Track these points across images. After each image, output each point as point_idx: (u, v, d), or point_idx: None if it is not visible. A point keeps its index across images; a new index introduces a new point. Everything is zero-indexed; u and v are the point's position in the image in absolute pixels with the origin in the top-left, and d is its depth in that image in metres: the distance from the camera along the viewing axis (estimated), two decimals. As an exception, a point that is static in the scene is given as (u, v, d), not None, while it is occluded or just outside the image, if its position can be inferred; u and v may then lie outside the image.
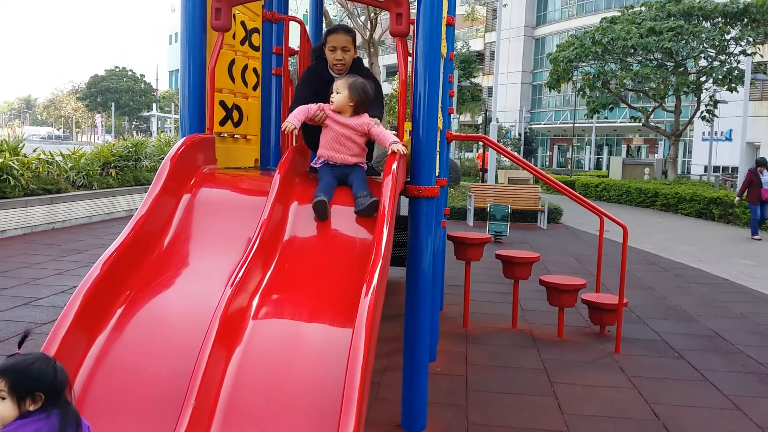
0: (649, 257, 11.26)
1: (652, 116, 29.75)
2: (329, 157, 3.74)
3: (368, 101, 3.78)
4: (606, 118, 41.11)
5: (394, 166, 3.51)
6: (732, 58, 25.83)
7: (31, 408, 1.95)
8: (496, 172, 21.41)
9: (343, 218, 3.71)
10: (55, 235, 11.00)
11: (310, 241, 3.63)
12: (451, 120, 8.48)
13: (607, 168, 35.49)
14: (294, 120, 3.70)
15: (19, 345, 2.12)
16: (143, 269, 3.32)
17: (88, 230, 11.81)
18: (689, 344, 6.04)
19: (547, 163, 58.59)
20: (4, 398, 1.91)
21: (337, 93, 3.72)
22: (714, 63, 26.00)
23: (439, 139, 4.52)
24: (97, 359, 2.88)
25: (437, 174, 4.53)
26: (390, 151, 3.64)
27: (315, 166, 3.82)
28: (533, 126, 58.45)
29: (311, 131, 4.32)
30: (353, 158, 3.74)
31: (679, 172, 30.69)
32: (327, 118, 3.75)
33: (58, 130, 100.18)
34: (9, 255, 8.90)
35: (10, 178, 10.85)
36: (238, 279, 3.08)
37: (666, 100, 27.61)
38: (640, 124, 29.83)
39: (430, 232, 4.12)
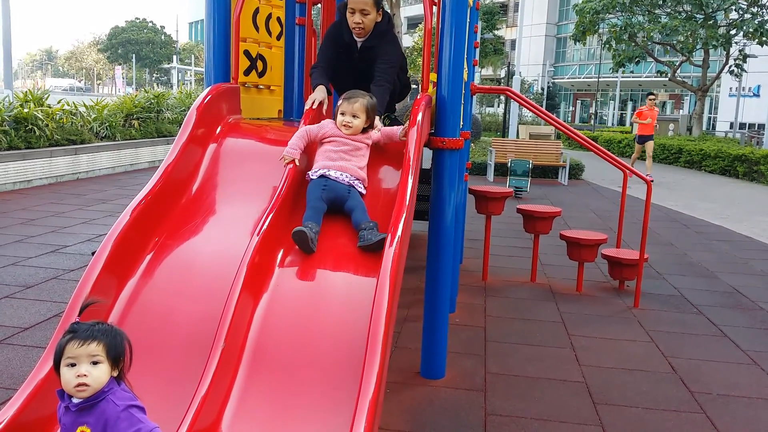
0: (670, 214, 11.19)
1: (678, 71, 29.14)
2: (340, 167, 3.35)
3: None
4: (631, 72, 40.38)
5: (419, 117, 3.50)
6: (764, 10, 25.08)
7: (114, 374, 2.05)
8: (518, 127, 21.20)
9: (369, 168, 3.74)
10: (80, 185, 11.15)
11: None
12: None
13: (631, 124, 35.02)
14: (293, 151, 3.37)
15: (80, 313, 2.22)
16: (171, 217, 3.39)
17: (111, 181, 11.95)
18: (709, 300, 6.06)
19: (570, 119, 57.83)
20: (101, 362, 1.99)
21: (355, 118, 3.43)
22: (745, 15, 25.28)
23: (463, 92, 4.49)
24: (128, 303, 2.97)
25: (461, 126, 4.52)
26: (402, 135, 3.55)
27: (311, 177, 3.40)
28: (556, 80, 57.54)
29: (338, 72, 4.27)
30: (362, 171, 3.41)
31: (704, 128, 30.18)
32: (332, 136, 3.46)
33: (80, 82, 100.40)
34: (36, 204, 9.06)
35: (35, 128, 10.96)
36: (264, 228, 3.13)
37: (694, 54, 27.00)
38: (667, 78, 29.25)
39: (453, 185, 4.14)
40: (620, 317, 5.43)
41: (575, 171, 16.29)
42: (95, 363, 1.97)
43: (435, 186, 4.14)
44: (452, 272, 4.59)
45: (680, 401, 3.86)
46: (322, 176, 3.33)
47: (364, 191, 3.39)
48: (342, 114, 3.46)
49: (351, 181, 3.34)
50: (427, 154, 4.23)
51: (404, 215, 3.14)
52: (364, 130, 3.49)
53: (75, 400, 2.03)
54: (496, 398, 3.77)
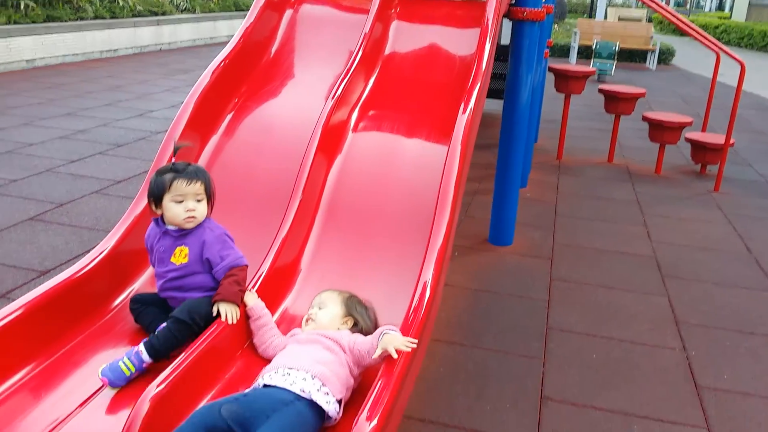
0: (764, 103, 10.55)
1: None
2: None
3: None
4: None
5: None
6: None
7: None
8: (606, 10, 19.96)
9: (444, 36, 3.68)
10: (162, 56, 11.40)
11: (410, 58, 3.65)
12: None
13: (731, 9, 32.39)
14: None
15: (173, 154, 2.41)
16: (250, 79, 3.47)
17: (192, 53, 12.14)
18: (795, 188, 5.82)
19: (664, 1, 53.94)
20: (202, 200, 2.28)
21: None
22: None
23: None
24: (210, 158, 3.12)
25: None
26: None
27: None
28: (653, -42, 53.19)
29: None
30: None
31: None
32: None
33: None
34: (122, 72, 9.36)
35: (119, -1, 11.15)
36: (339, 92, 3.18)
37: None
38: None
39: (531, 60, 4.04)
40: (699, 199, 5.31)
41: (665, 56, 15.40)
42: (199, 201, 2.26)
43: (512, 61, 4.04)
44: (526, 149, 4.56)
45: (752, 280, 3.83)
46: None
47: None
48: None
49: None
50: (506, 31, 4.11)
51: (479, 83, 3.12)
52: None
53: (172, 227, 2.28)
54: (562, 266, 3.84)
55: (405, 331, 2.07)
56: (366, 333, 2.19)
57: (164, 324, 2.14)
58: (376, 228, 2.81)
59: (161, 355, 2.08)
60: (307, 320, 2.25)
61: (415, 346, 1.90)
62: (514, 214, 4.13)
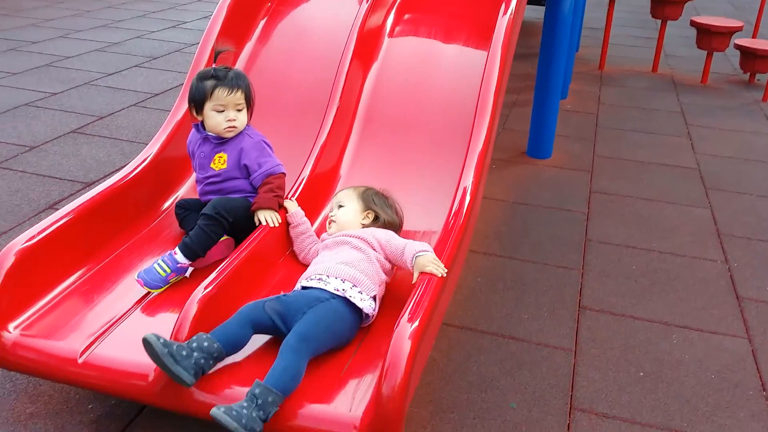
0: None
1: None
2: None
3: None
4: None
5: None
6: None
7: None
8: None
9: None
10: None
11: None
12: None
13: None
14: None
15: (214, 59, 2.42)
16: (283, -17, 3.37)
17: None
18: None
19: None
20: (242, 109, 2.30)
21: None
22: None
23: None
24: (246, 66, 3.08)
25: None
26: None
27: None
28: None
29: None
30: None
31: None
32: None
33: None
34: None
35: None
36: (374, -5, 3.08)
37: None
38: None
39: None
40: (745, 110, 5.12)
41: (717, -42, 14.55)
42: (239, 110, 2.28)
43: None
44: (567, 58, 4.41)
45: (798, 193, 3.73)
46: None
47: None
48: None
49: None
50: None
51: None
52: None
53: (211, 134, 2.30)
54: (602, 178, 3.78)
55: (445, 237, 2.08)
56: (389, 225, 2.23)
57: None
58: (414, 136, 2.78)
59: (195, 253, 2.12)
60: (329, 222, 2.28)
61: (446, 273, 1.91)
62: (554, 126, 4.04)
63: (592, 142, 4.33)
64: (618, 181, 3.74)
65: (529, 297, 2.65)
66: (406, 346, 1.59)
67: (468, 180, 2.25)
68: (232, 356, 1.78)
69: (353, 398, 1.71)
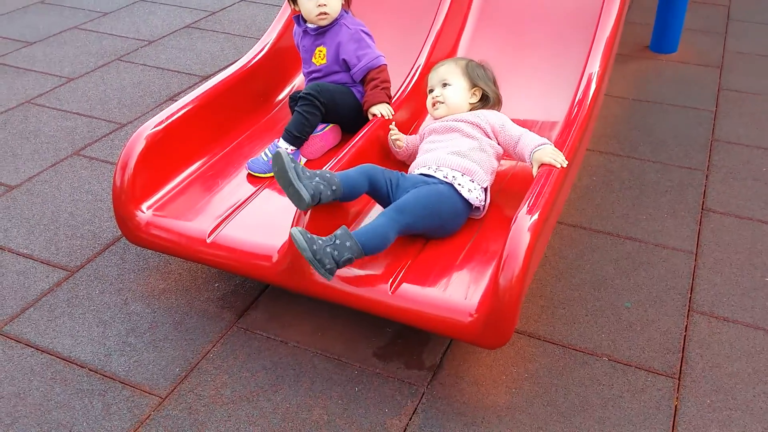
0: None
1: None
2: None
3: None
4: None
5: None
6: None
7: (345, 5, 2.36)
8: None
9: None
10: None
11: None
12: None
13: None
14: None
15: None
16: None
17: None
18: None
19: None
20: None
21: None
22: None
23: None
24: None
25: None
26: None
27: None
28: None
29: None
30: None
31: None
32: None
33: None
34: None
35: None
36: None
37: None
38: None
39: None
40: None
41: None
42: None
43: None
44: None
45: None
46: None
47: None
48: None
49: None
50: None
51: None
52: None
53: (311, 25, 2.25)
54: (732, 75, 3.50)
55: (567, 126, 2.00)
56: (496, 104, 2.13)
57: None
58: (533, 25, 2.64)
59: (294, 137, 2.16)
60: (434, 104, 2.10)
61: (566, 165, 1.85)
62: (682, 18, 3.73)
63: (722, 35, 3.99)
64: (750, 78, 3.45)
65: (648, 197, 2.55)
66: (525, 238, 1.57)
67: (594, 66, 2.13)
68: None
69: (468, 287, 1.73)
